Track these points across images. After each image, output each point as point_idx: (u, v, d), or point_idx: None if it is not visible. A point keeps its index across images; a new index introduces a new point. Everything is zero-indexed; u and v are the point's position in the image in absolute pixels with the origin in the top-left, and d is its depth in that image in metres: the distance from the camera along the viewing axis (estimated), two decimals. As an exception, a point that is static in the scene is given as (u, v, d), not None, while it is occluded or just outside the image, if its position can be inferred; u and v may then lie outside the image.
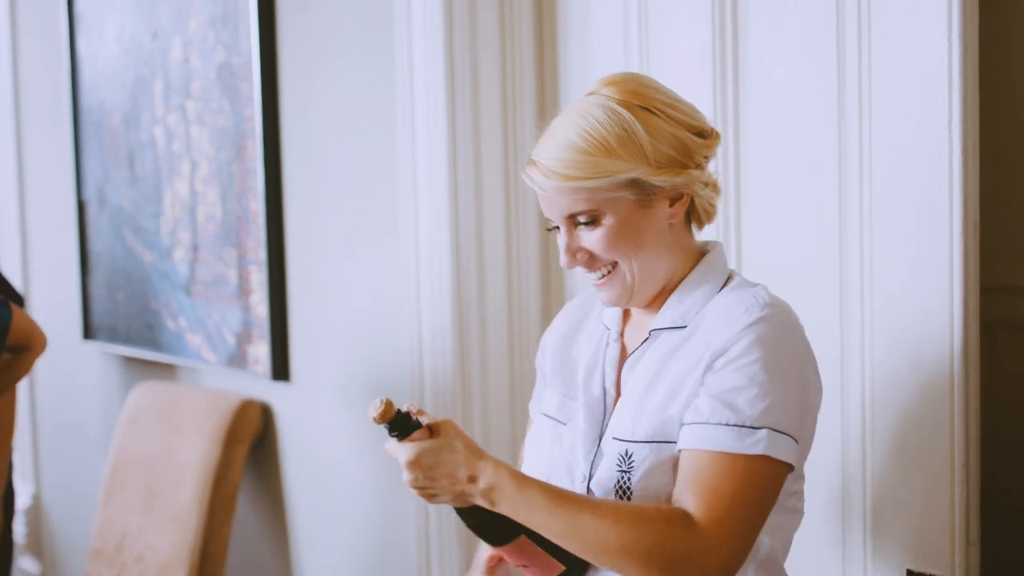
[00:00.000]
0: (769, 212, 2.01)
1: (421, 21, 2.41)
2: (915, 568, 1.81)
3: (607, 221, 1.47)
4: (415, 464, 1.44)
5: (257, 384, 3.07)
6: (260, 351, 2.99)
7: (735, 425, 1.39)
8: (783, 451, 1.41)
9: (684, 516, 1.38)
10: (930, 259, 1.75)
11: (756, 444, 1.39)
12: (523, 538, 1.49)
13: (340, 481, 2.85)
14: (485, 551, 1.65)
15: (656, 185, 1.46)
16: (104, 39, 3.53)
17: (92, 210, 3.69)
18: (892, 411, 1.83)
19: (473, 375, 2.45)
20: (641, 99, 1.48)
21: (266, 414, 3.05)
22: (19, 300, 3.03)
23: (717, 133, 1.54)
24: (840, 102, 1.89)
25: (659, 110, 1.48)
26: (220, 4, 3.01)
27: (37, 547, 4.28)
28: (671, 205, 1.50)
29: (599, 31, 2.32)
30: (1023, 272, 1.94)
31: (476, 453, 1.44)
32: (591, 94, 1.51)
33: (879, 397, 1.85)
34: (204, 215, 3.16)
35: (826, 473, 1.94)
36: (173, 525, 2.96)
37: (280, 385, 2.99)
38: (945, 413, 1.76)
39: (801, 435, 1.46)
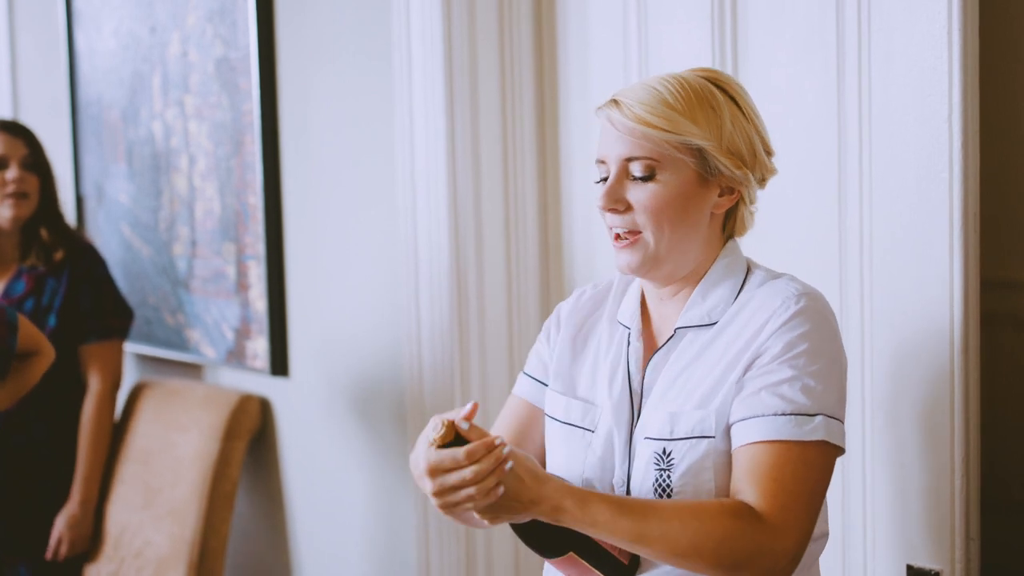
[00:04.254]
0: (769, 208, 2.00)
1: (420, 13, 2.40)
2: (915, 563, 1.80)
3: (662, 179, 1.48)
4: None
5: (256, 379, 3.06)
6: (259, 346, 2.98)
7: (791, 414, 1.42)
8: (836, 436, 1.45)
9: (748, 508, 1.40)
10: (930, 254, 1.75)
11: (815, 431, 1.42)
12: (571, 554, 1.50)
13: (339, 476, 2.85)
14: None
15: (718, 167, 1.49)
16: (102, 34, 3.53)
17: (90, 205, 3.68)
18: (891, 405, 1.83)
19: (472, 372, 2.45)
20: (735, 93, 1.52)
21: (265, 409, 3.05)
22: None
23: (776, 167, 1.58)
24: (839, 98, 1.89)
25: (745, 110, 1.52)
26: (218, -1, 3.00)
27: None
28: (720, 195, 1.52)
29: (598, 32, 2.32)
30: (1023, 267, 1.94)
31: (536, 478, 1.43)
32: (692, 71, 1.55)
33: (879, 392, 1.85)
34: (202, 210, 3.15)
35: (826, 468, 1.93)
36: (172, 520, 2.95)
37: (279, 380, 2.99)
38: (945, 408, 1.75)
39: (844, 419, 1.49)
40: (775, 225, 1.99)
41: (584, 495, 1.43)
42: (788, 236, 1.99)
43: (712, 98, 1.49)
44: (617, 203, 1.50)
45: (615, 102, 1.50)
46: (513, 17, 2.43)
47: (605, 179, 1.52)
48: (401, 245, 2.52)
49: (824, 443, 1.43)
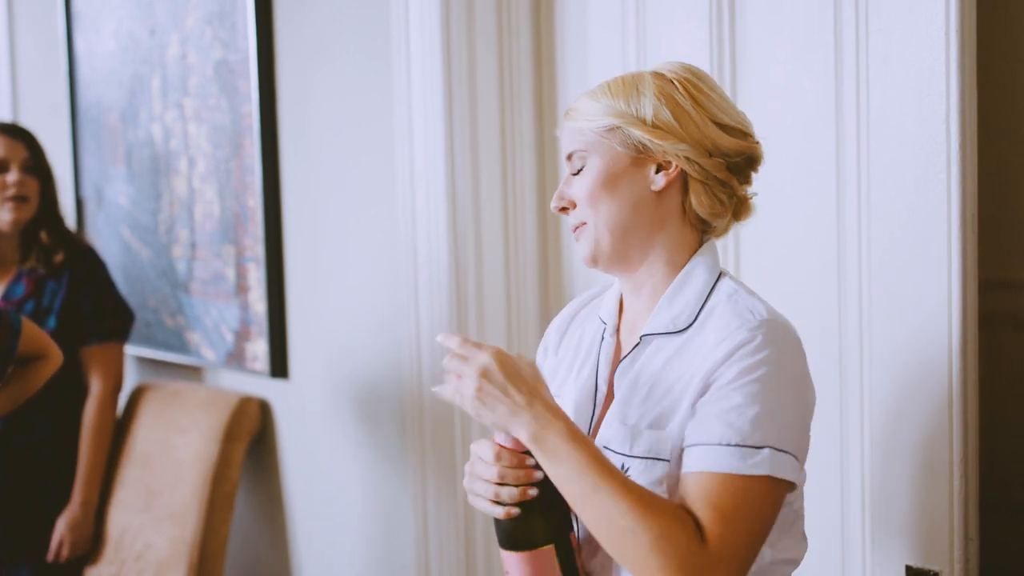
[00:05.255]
0: (767, 209, 2.00)
1: (418, 14, 2.40)
2: (914, 564, 1.80)
3: (591, 165, 1.51)
4: (497, 359, 1.42)
5: (255, 381, 3.06)
6: (258, 348, 2.98)
7: (737, 445, 1.38)
8: (784, 470, 1.40)
9: (695, 524, 1.37)
10: (929, 254, 1.75)
11: (759, 464, 1.38)
12: (551, 548, 1.46)
13: (338, 478, 2.85)
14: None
15: (643, 142, 1.48)
16: (101, 36, 3.53)
17: (90, 207, 3.68)
18: (891, 406, 1.83)
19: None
20: (678, 77, 1.51)
21: (264, 411, 3.05)
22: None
23: (754, 141, 1.52)
24: (838, 98, 1.89)
25: (687, 90, 1.50)
26: (217, 1, 3.00)
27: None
28: (658, 171, 1.50)
29: (597, 31, 2.32)
30: (1023, 267, 1.93)
31: (545, 391, 1.44)
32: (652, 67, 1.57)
33: (877, 393, 1.84)
34: (202, 212, 3.15)
35: (825, 469, 1.93)
36: (172, 523, 2.95)
37: (278, 382, 2.99)
38: (944, 408, 1.75)
39: (802, 453, 1.45)
40: (773, 224, 1.99)
41: (577, 430, 1.41)
42: (786, 236, 1.98)
43: (640, 82, 1.50)
44: (561, 201, 1.55)
45: (566, 112, 1.55)
46: (512, 17, 2.43)
47: None
48: (400, 246, 2.52)
49: (769, 478, 1.39)
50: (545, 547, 1.46)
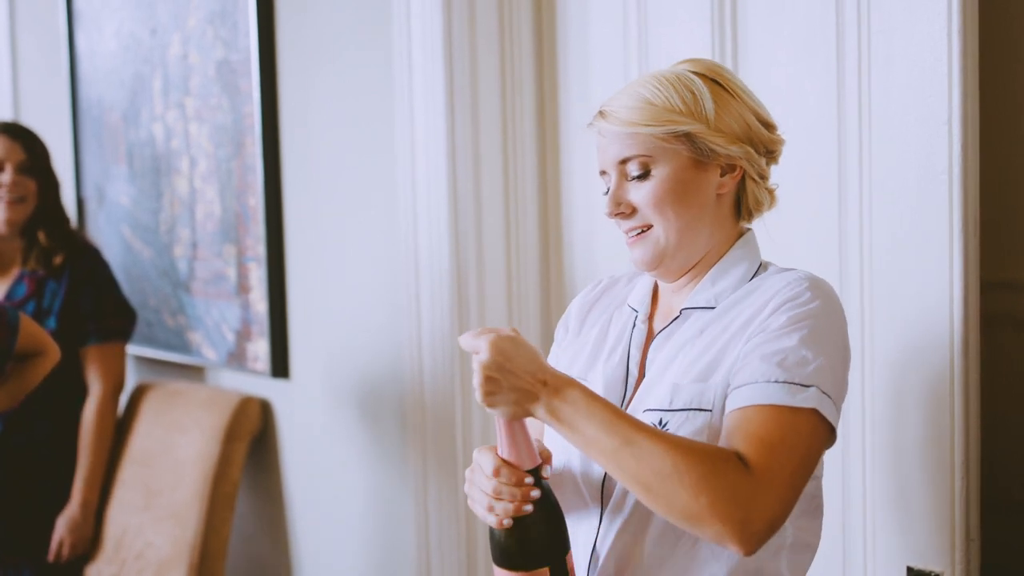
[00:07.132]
0: (769, 210, 2.00)
1: (420, 14, 2.41)
2: (915, 565, 1.80)
3: (657, 173, 1.50)
4: (495, 350, 1.41)
5: (256, 381, 3.07)
6: (259, 348, 2.98)
7: (785, 382, 1.40)
8: (829, 411, 1.41)
9: (737, 456, 1.37)
10: (930, 255, 1.75)
11: (807, 399, 1.39)
12: (546, 570, 1.45)
13: (339, 478, 2.85)
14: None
15: (712, 147, 1.49)
16: (103, 35, 3.53)
17: (91, 207, 3.68)
18: (892, 407, 1.83)
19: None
20: (716, 75, 1.53)
21: (265, 411, 3.05)
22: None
23: (782, 137, 1.57)
24: (839, 99, 1.89)
25: (730, 88, 1.52)
26: (219, 1, 3.00)
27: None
28: (722, 175, 1.52)
29: (598, 32, 2.32)
30: None
31: (546, 365, 1.44)
32: (672, 66, 1.57)
33: (879, 393, 1.85)
34: (203, 212, 3.15)
35: (826, 469, 1.93)
36: (173, 522, 2.95)
37: (279, 382, 2.99)
38: (945, 409, 1.75)
39: (840, 405, 1.46)
40: (775, 226, 1.98)
41: (591, 392, 1.42)
42: (788, 237, 1.98)
43: (691, 84, 1.50)
44: (620, 206, 1.53)
45: (601, 113, 1.54)
46: (513, 17, 2.43)
47: (608, 189, 1.55)
48: (402, 246, 2.52)
49: (815, 413, 1.40)
50: (540, 569, 1.44)
